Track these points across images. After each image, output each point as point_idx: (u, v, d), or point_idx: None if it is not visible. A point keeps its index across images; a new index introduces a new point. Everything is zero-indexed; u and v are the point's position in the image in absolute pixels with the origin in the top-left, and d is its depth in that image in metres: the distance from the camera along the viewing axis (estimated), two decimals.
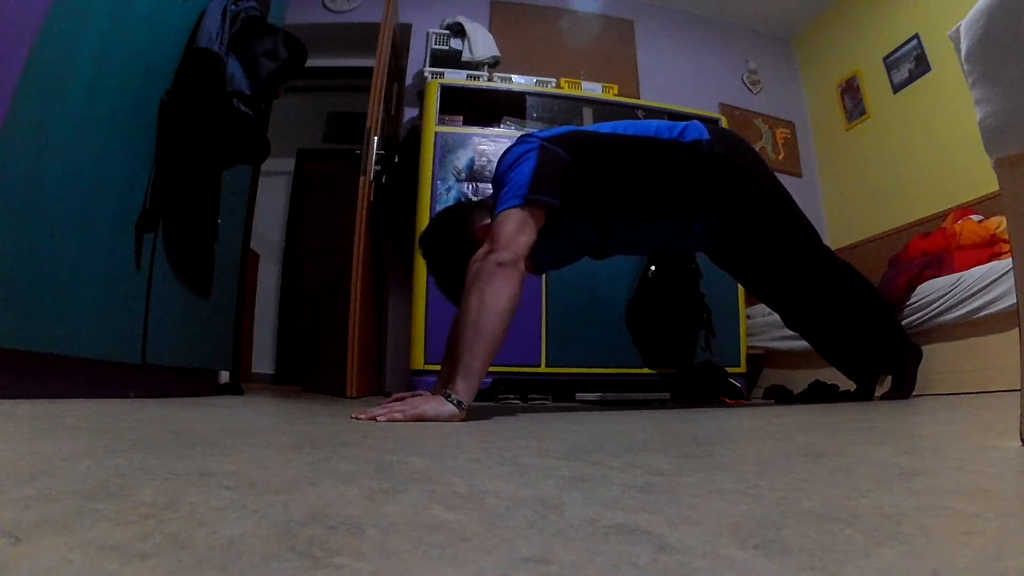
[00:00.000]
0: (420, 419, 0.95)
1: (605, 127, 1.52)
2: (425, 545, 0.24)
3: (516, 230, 1.16)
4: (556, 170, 1.29)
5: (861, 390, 1.83)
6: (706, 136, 1.51)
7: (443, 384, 1.29)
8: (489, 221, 1.29)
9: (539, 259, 1.47)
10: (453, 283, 1.29)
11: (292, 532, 0.25)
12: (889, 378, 1.88)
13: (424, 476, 0.41)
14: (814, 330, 1.82)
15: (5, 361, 1.02)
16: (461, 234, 1.31)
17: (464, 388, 1.02)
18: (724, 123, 3.11)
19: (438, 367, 2.23)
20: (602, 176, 1.42)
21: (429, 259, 1.40)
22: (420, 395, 1.10)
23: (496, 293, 1.07)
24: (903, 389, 1.81)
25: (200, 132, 1.59)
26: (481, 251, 1.16)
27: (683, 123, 1.55)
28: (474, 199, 2.34)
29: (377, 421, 0.92)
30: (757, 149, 3.85)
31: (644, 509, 0.32)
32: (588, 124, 2.95)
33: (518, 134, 2.72)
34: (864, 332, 1.73)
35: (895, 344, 1.80)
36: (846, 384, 1.93)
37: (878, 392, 1.89)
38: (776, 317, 3.08)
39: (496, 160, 1.40)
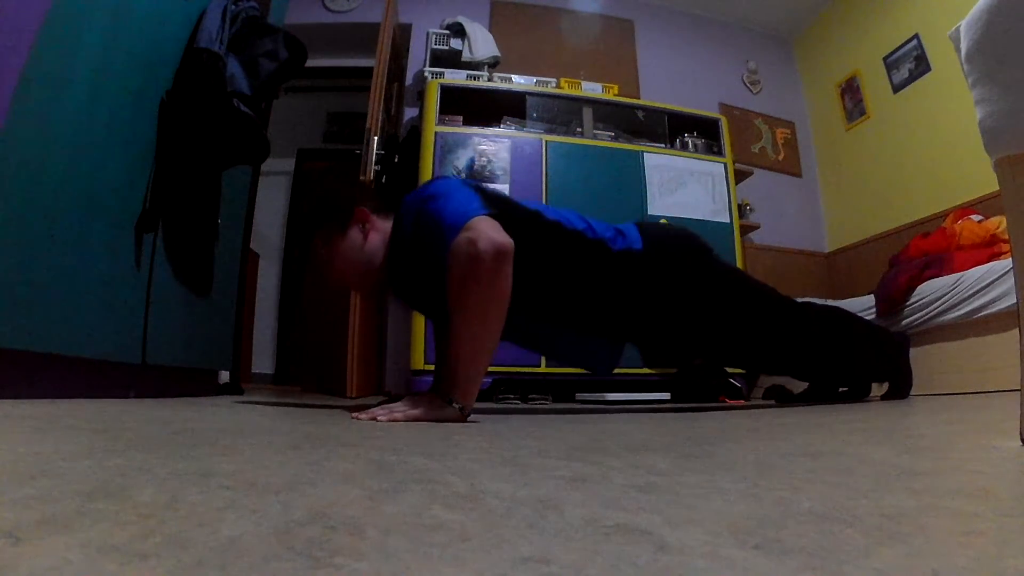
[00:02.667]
0: (420, 420, 0.95)
1: (528, 202, 1.32)
2: (425, 545, 0.24)
3: (493, 224, 1.03)
4: (485, 198, 1.14)
5: (855, 390, 1.84)
6: (638, 246, 1.34)
7: (442, 385, 1.28)
8: (376, 218, 1.22)
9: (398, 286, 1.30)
10: (307, 227, 1.25)
11: (292, 532, 0.25)
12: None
13: (424, 476, 0.41)
14: (798, 375, 1.77)
15: (5, 361, 1.02)
16: (345, 201, 1.23)
17: (468, 392, 1.00)
18: (724, 123, 3.11)
19: None
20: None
21: (316, 202, 1.28)
22: (421, 396, 1.09)
23: (500, 292, 1.00)
24: (902, 389, 1.81)
25: (200, 132, 1.59)
26: (466, 237, 1.00)
27: (616, 225, 1.38)
28: None
29: (378, 421, 0.92)
30: (757, 149, 3.89)
31: (644, 509, 0.32)
32: (585, 125, 2.95)
33: (517, 134, 2.74)
34: (846, 365, 1.69)
35: (881, 357, 1.77)
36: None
37: (878, 392, 1.89)
38: None
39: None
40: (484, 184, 1.24)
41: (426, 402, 0.99)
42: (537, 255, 1.21)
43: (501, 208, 1.14)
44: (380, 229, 1.23)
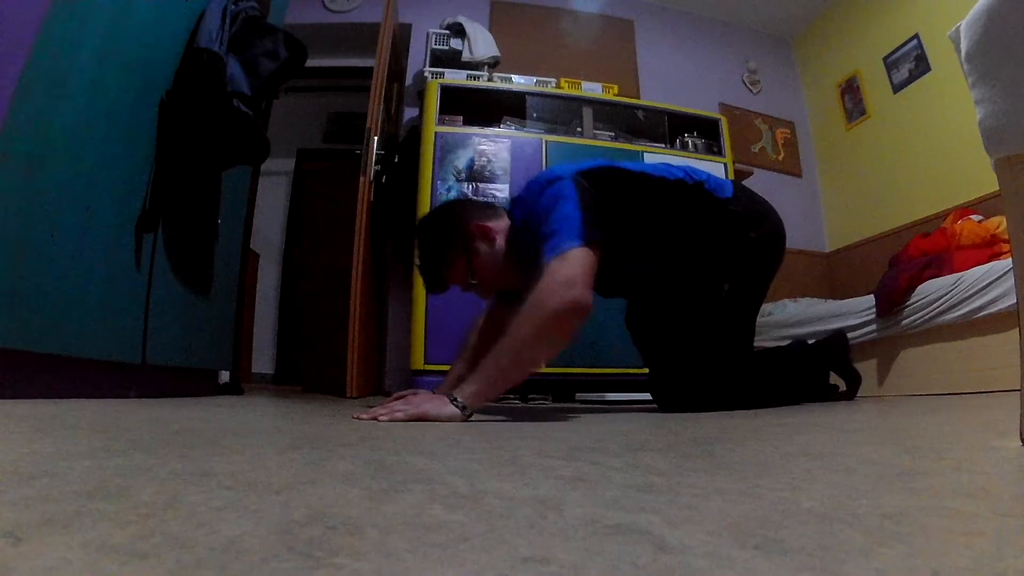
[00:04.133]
0: (422, 419, 0.95)
1: (631, 165, 1.49)
2: (425, 545, 0.24)
3: (592, 271, 1.11)
4: (592, 206, 1.23)
5: (852, 390, 1.83)
6: (729, 193, 1.49)
7: (451, 383, 1.29)
8: (491, 223, 1.30)
9: None
10: (433, 270, 1.32)
11: (292, 532, 0.25)
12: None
13: (424, 476, 0.41)
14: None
15: (5, 361, 1.02)
16: (456, 225, 1.31)
17: (474, 396, 1.00)
18: (724, 123, 3.11)
19: (438, 367, 2.22)
20: (625, 215, 1.37)
21: (420, 241, 1.37)
22: (422, 394, 1.09)
23: (564, 336, 1.06)
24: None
25: (200, 132, 1.59)
26: (559, 279, 1.05)
27: (709, 174, 1.53)
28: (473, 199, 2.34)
29: (379, 421, 0.92)
30: (757, 149, 3.89)
31: (644, 509, 0.32)
32: (585, 125, 2.95)
33: (517, 134, 2.74)
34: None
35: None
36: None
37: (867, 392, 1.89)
38: (776, 317, 3.08)
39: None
40: (590, 173, 1.34)
41: (427, 400, 0.99)
42: (646, 208, 1.41)
43: (606, 196, 1.26)
44: (500, 230, 1.32)
